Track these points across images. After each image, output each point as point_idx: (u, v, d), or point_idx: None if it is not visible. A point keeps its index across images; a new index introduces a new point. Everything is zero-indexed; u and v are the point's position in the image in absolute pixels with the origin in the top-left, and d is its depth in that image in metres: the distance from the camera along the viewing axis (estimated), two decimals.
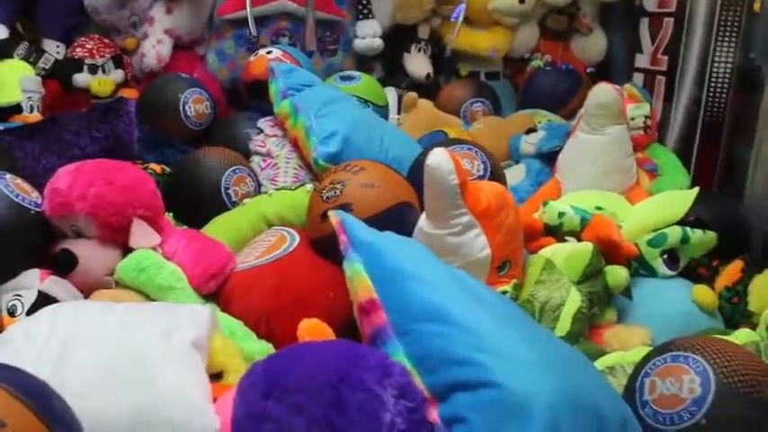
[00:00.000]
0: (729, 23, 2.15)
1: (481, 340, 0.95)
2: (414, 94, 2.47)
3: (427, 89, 2.66)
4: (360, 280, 1.05)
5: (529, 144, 2.21)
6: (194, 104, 2.16)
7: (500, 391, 0.88)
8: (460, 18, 2.66)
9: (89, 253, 1.43)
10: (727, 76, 2.17)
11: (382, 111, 2.30)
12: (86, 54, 2.46)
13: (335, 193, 1.47)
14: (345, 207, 1.40)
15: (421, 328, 0.98)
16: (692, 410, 1.03)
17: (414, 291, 1.02)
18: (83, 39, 2.49)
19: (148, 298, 1.40)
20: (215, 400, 1.01)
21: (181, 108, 2.14)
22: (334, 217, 1.12)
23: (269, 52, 2.30)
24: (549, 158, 2.15)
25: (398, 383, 0.90)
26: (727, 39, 2.17)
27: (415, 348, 0.97)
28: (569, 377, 0.95)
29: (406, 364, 0.96)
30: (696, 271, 1.69)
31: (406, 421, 0.88)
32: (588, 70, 2.85)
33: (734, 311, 1.60)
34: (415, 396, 0.91)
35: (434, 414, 0.93)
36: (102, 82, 2.45)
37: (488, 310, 1.02)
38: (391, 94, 2.56)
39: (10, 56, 2.36)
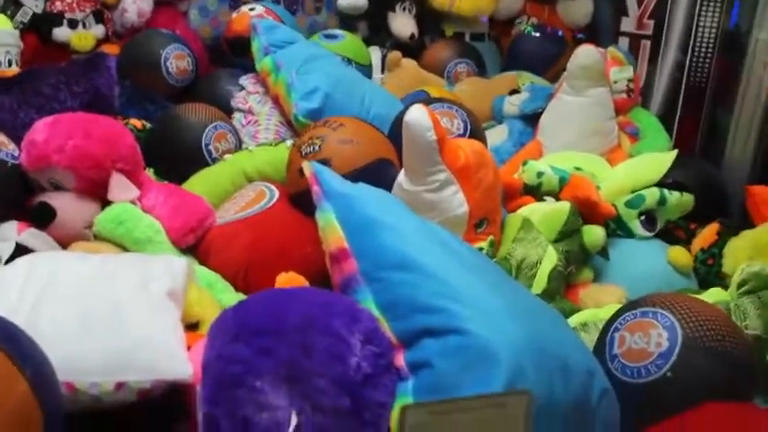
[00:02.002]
0: None
1: (450, 288, 0.96)
2: (397, 54, 2.45)
3: (411, 49, 2.64)
4: (331, 229, 1.06)
5: (512, 105, 2.21)
6: (176, 60, 2.15)
7: (467, 338, 0.90)
8: None
9: (67, 205, 1.44)
10: (712, 41, 2.17)
11: (366, 70, 2.29)
12: (66, 8, 2.41)
13: (314, 148, 1.47)
14: (324, 162, 1.40)
15: (390, 276, 0.99)
16: (658, 364, 1.05)
17: (384, 239, 1.02)
18: None
19: (126, 251, 1.41)
20: (190, 348, 1.02)
21: (162, 64, 2.13)
22: (308, 168, 1.12)
23: (252, 9, 2.28)
24: (531, 120, 2.15)
25: (365, 329, 0.92)
26: (712, 4, 2.16)
27: (384, 296, 0.99)
28: (536, 327, 0.96)
29: (374, 311, 0.98)
30: (673, 233, 1.71)
31: (372, 366, 0.89)
32: (578, 36, 2.83)
33: (708, 273, 1.61)
34: (381, 342, 0.93)
35: (401, 359, 0.94)
36: (82, 37, 2.41)
37: (459, 260, 1.03)
38: (375, 53, 2.54)
39: None
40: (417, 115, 1.32)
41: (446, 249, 1.05)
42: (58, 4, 2.41)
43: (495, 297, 0.97)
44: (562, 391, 0.93)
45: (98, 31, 2.46)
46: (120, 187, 1.46)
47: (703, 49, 2.19)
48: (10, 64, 2.25)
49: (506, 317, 0.94)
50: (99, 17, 2.47)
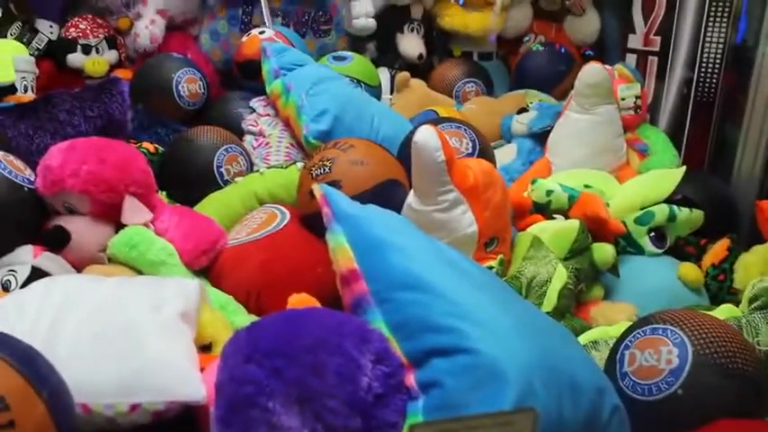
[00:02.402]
0: (721, 3, 2.15)
1: (459, 308, 0.97)
2: (406, 74, 2.46)
3: (420, 69, 2.66)
4: (342, 251, 1.07)
5: (520, 124, 2.22)
6: (187, 84, 2.18)
7: (476, 357, 0.90)
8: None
9: (82, 229, 1.45)
10: (719, 56, 2.17)
11: (374, 91, 2.31)
12: (80, 34, 2.46)
13: (325, 170, 1.49)
14: (335, 184, 1.42)
15: (400, 297, 1.00)
16: (669, 381, 1.05)
17: (393, 260, 1.03)
18: (76, 19, 2.49)
19: (140, 273, 1.42)
20: (203, 370, 1.03)
21: (174, 88, 2.15)
22: (318, 190, 1.14)
23: (262, 32, 2.30)
24: (540, 138, 2.16)
25: (376, 349, 0.93)
26: (718, 19, 2.17)
27: (393, 316, 0.99)
28: (546, 345, 0.97)
29: (384, 331, 0.99)
30: (683, 249, 1.71)
31: (383, 386, 0.90)
32: (586, 53, 2.85)
33: (720, 289, 1.62)
34: (391, 362, 0.94)
35: (411, 379, 0.95)
36: (96, 62, 2.46)
37: (467, 279, 1.04)
38: (384, 74, 2.57)
39: (3, 36, 2.36)
40: (426, 136, 1.34)
41: (455, 269, 1.05)
42: (72, 30, 2.46)
43: (504, 316, 0.98)
44: (572, 409, 0.93)
45: (111, 56, 2.50)
46: (134, 210, 1.48)
47: (711, 65, 2.19)
48: (26, 90, 2.29)
49: (516, 336, 0.94)
50: (112, 43, 2.51)
